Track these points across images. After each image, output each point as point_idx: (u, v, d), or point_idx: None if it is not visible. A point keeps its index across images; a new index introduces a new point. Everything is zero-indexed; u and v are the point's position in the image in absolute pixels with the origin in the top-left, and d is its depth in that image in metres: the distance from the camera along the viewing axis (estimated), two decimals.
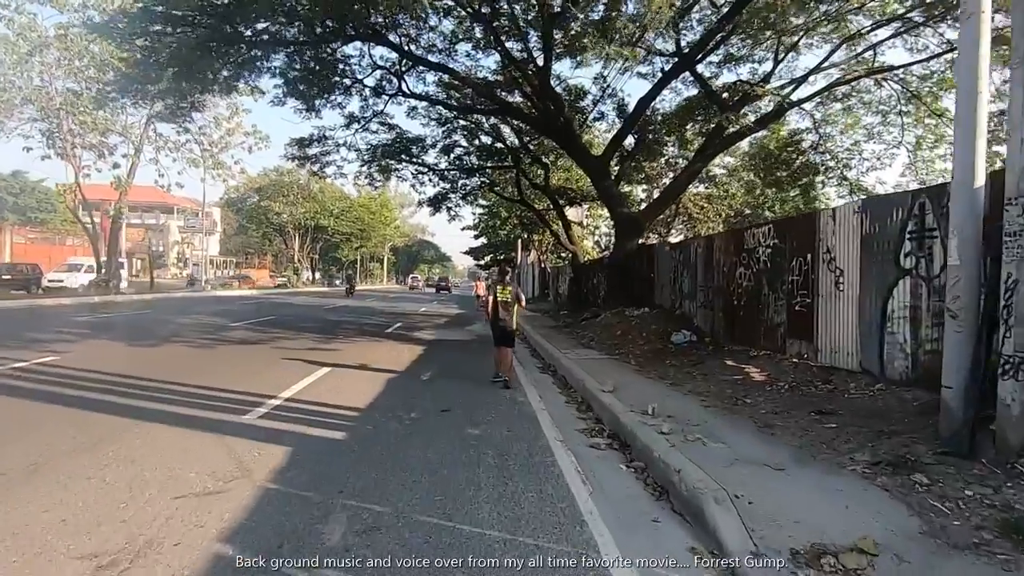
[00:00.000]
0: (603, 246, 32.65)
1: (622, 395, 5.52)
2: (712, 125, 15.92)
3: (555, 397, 6.30)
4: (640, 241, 11.93)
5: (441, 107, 15.32)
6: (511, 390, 6.45)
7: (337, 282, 51.21)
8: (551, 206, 20.45)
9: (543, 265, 32.12)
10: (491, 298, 7.01)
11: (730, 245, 8.17)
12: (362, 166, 18.24)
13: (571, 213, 23.24)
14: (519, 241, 35.53)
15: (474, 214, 37.07)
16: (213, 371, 7.00)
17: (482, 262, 53.38)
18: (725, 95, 14.38)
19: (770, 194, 29.90)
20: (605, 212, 31.32)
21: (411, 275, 70.98)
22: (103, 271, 21.73)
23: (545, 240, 32.25)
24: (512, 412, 5.44)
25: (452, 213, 21.84)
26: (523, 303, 7.40)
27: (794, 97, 12.69)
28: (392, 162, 18.51)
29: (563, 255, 36.10)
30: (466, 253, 55.25)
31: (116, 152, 20.29)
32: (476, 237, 43.62)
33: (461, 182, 20.73)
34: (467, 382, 6.91)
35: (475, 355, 9.43)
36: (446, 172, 19.72)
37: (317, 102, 15.12)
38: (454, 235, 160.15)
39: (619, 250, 11.75)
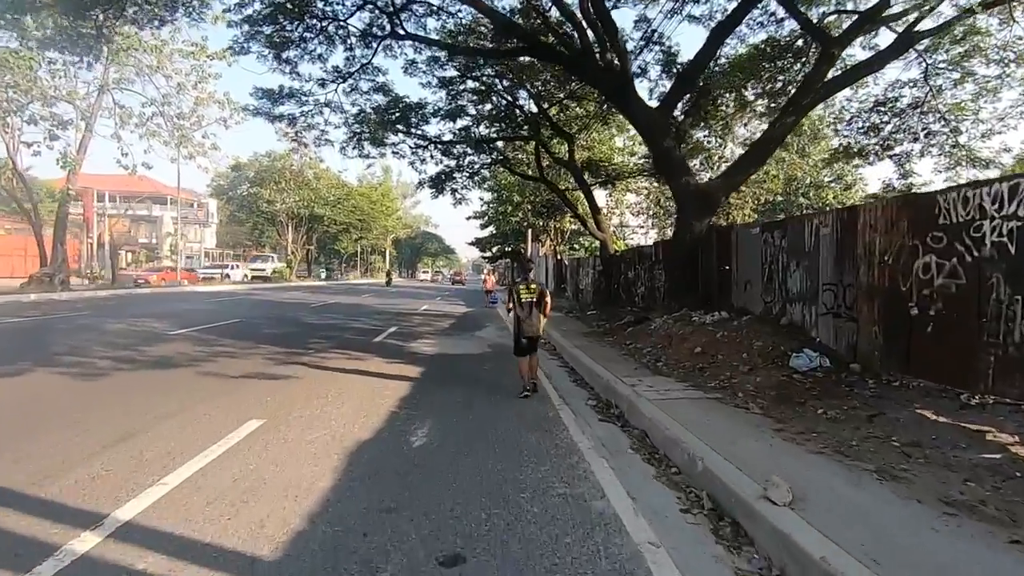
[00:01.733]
0: (621, 238, 29.59)
1: (814, 515, 2.60)
2: (779, 84, 12.90)
3: (654, 491, 3.39)
4: (709, 222, 8.91)
5: (446, 53, 12.24)
6: (570, 470, 3.56)
7: (327, 275, 56.84)
8: (574, 186, 17.41)
9: (559, 257, 29.09)
10: (513, 299, 5.89)
11: (901, 221, 5.18)
12: (351, 137, 15.22)
13: None
14: (530, 231, 32.53)
15: (482, 199, 34.09)
16: (49, 435, 4.11)
17: (488, 254, 50.52)
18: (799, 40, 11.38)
19: (806, 180, 26.78)
20: (629, 198, 28.30)
21: (421, 269, 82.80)
22: (47, 264, 18.87)
23: (563, 226, 29.17)
24: (595, 563, 2.52)
25: (457, 196, 18.82)
26: (551, 304, 5.94)
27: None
28: (387, 133, 15.48)
29: (578, 245, 33.07)
30: (471, 244, 52.44)
31: (70, 127, 17.35)
32: (483, 226, 40.67)
33: (468, 159, 17.67)
34: (486, 452, 4.00)
35: (492, 383, 6.48)
36: (450, 146, 16.67)
37: (290, 52, 12.16)
38: (458, 225, 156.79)
39: (683, 233, 8.76)
